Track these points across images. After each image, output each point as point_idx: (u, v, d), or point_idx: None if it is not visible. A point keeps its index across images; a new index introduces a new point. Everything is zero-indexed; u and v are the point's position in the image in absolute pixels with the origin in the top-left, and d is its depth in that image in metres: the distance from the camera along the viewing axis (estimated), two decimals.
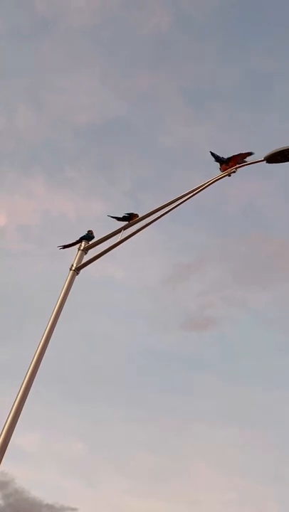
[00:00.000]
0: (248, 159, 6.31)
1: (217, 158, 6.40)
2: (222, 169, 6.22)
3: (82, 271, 5.71)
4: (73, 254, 5.88)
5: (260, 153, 6.36)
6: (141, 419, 22.92)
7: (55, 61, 28.76)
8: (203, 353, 27.31)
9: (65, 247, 6.02)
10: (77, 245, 5.89)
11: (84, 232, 5.95)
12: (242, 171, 6.19)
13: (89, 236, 5.88)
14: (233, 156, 6.33)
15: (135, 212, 5.94)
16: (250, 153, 6.25)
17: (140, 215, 5.97)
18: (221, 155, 6.45)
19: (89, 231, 5.89)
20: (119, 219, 6.04)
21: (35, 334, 5.36)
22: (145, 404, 23.67)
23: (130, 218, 5.91)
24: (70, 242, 5.98)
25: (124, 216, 6.00)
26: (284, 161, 6.11)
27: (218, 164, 6.26)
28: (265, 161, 6.18)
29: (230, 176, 6.18)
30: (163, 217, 5.96)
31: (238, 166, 6.21)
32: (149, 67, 31.16)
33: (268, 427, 23.10)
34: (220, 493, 21.03)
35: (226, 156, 6.43)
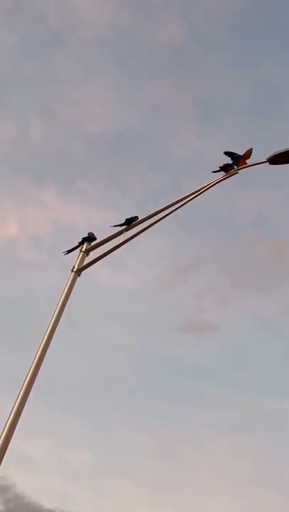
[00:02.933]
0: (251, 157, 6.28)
1: (225, 166, 6.30)
2: (226, 171, 6.21)
3: (83, 273, 5.72)
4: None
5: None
6: (149, 427, 22.81)
7: (68, 72, 29.07)
8: (209, 360, 27.19)
9: (69, 251, 6.03)
10: (80, 247, 5.90)
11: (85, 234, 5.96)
12: (242, 173, 6.17)
13: (90, 238, 5.88)
14: (241, 158, 6.29)
15: (136, 215, 5.95)
16: (250, 150, 6.22)
17: (142, 217, 5.98)
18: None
19: (90, 233, 5.90)
20: (121, 225, 6.03)
21: (36, 336, 5.36)
22: (154, 412, 23.57)
23: (131, 221, 5.93)
24: (73, 246, 5.99)
25: (126, 220, 6.00)
26: (286, 163, 6.09)
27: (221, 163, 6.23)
28: (267, 163, 6.17)
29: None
30: (165, 218, 5.99)
31: (240, 167, 6.20)
32: (161, 79, 31.38)
33: (277, 436, 22.89)
34: (228, 502, 20.83)
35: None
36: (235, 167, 6.21)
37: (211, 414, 23.28)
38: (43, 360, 5.05)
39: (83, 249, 5.82)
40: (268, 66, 30.93)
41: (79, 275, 5.66)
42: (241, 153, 6.37)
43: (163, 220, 5.96)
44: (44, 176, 29.47)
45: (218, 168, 6.20)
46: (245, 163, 6.23)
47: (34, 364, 4.98)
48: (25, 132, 28.65)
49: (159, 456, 21.41)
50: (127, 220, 5.92)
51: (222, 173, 6.19)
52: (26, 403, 4.77)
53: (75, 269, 5.64)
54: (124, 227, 5.90)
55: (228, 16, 29.92)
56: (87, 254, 5.82)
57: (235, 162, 6.22)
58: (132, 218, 5.92)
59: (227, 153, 6.39)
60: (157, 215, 5.96)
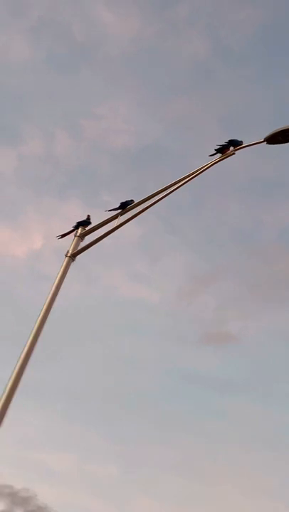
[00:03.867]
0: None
1: (222, 148, 6.17)
2: (222, 152, 6.06)
3: (78, 257, 5.65)
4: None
5: None
6: (173, 441, 22.36)
7: (93, 88, 29.57)
8: (232, 373, 26.60)
9: (63, 236, 5.97)
10: (74, 232, 5.83)
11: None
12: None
13: (86, 222, 5.82)
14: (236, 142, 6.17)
15: (131, 199, 5.85)
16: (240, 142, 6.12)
17: (136, 201, 5.89)
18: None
19: (88, 215, 5.84)
20: (116, 209, 5.95)
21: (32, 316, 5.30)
22: (177, 426, 23.13)
23: (126, 205, 5.83)
24: (68, 230, 5.93)
25: (120, 204, 5.91)
26: (285, 142, 5.92)
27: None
28: (265, 142, 6.00)
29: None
30: (160, 201, 5.89)
31: (237, 148, 6.05)
32: (185, 94, 31.57)
33: None
34: None
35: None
36: (232, 148, 6.06)
37: (233, 428, 22.67)
38: (35, 344, 5.00)
39: (78, 234, 5.76)
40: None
41: (73, 260, 5.61)
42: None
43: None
44: (68, 190, 29.83)
45: (214, 151, 6.07)
46: (241, 144, 6.08)
47: (27, 348, 4.92)
48: (50, 147, 29.09)
49: (181, 470, 20.90)
50: (122, 203, 5.82)
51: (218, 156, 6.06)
52: (18, 394, 4.73)
53: (69, 254, 5.60)
54: (120, 211, 5.82)
55: (252, 30, 30.01)
56: (82, 239, 5.75)
57: (232, 144, 6.06)
58: (126, 202, 5.82)
59: (231, 141, 6.25)
60: (152, 199, 5.86)
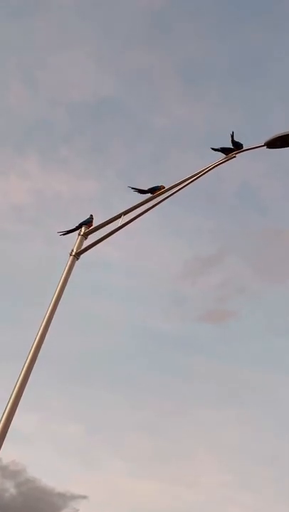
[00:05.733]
0: (246, 146, 6.33)
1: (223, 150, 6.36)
2: (226, 153, 6.23)
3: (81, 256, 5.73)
4: (68, 236, 5.92)
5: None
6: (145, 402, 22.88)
7: (49, 38, 28.38)
8: (198, 335, 27.37)
9: (66, 233, 6.03)
10: (78, 231, 5.90)
11: (81, 215, 5.98)
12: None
13: (89, 221, 5.89)
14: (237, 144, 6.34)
15: (160, 185, 5.98)
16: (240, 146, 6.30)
17: (140, 201, 5.99)
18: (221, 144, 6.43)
19: (90, 216, 5.90)
20: (142, 192, 6.04)
21: (35, 318, 5.37)
22: (145, 388, 23.74)
23: (154, 192, 5.96)
24: (71, 229, 6.00)
25: (148, 189, 6.05)
26: (284, 147, 6.11)
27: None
28: (265, 147, 6.18)
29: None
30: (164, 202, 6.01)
31: (238, 151, 6.22)
32: (144, 45, 30.77)
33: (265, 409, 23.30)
34: (217, 475, 21.19)
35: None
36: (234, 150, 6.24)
37: (203, 389, 23.49)
38: (42, 343, 5.08)
39: (81, 233, 5.83)
40: (250, 30, 30.62)
41: (77, 259, 5.68)
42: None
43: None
44: (26, 145, 28.87)
45: (219, 148, 6.24)
46: (242, 147, 6.27)
47: (33, 348, 5.00)
48: (5, 100, 27.90)
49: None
50: (150, 189, 5.98)
51: (220, 155, 6.22)
52: (26, 388, 4.80)
53: (73, 253, 5.67)
54: (124, 210, 5.91)
55: None
56: (86, 238, 5.83)
57: (236, 146, 6.25)
58: (154, 189, 5.97)
59: (235, 142, 6.39)
60: (156, 199, 5.99)
